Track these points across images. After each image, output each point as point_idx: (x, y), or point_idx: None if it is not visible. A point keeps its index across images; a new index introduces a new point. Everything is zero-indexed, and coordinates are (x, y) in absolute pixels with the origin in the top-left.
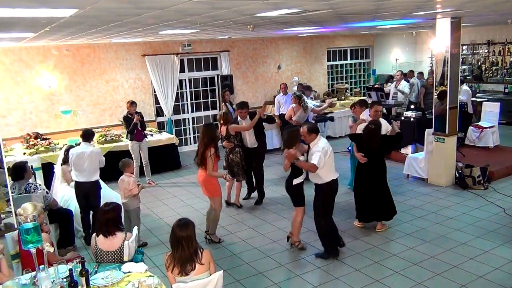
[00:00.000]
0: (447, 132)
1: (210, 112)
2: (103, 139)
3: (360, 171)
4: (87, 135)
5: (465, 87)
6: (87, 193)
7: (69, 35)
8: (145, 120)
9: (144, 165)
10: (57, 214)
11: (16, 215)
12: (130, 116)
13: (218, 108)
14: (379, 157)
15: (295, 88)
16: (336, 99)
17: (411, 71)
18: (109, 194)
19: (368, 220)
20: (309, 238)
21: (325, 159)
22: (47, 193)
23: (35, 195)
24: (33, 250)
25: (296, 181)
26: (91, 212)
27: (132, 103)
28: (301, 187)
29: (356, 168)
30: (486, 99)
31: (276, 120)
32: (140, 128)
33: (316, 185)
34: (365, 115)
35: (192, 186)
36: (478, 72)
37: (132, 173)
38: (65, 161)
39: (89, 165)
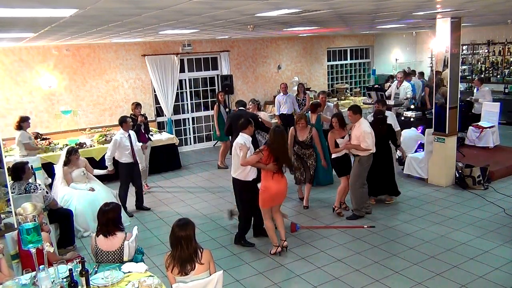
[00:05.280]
0: (447, 132)
1: (210, 112)
2: (103, 139)
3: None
4: (121, 122)
5: (486, 88)
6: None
7: (69, 35)
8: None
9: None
10: (57, 214)
11: (16, 215)
12: (134, 117)
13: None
14: (386, 142)
15: (295, 88)
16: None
17: (413, 71)
18: (107, 194)
19: (377, 194)
20: (310, 238)
21: None
22: (47, 193)
23: (35, 195)
24: (33, 250)
25: (334, 155)
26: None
27: (137, 105)
28: (340, 161)
29: None
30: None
31: (277, 120)
32: (143, 131)
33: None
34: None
35: (192, 186)
36: (479, 72)
37: None
38: (67, 162)
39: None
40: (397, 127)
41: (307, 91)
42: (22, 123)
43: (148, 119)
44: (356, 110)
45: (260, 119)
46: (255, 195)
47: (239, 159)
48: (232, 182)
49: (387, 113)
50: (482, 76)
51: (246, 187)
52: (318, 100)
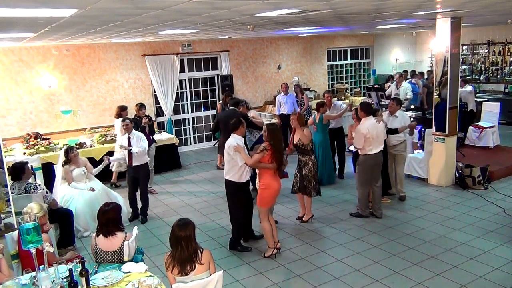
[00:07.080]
0: (447, 132)
1: (210, 112)
2: (103, 139)
3: None
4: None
5: (469, 87)
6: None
7: (69, 35)
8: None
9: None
10: (57, 214)
11: (16, 215)
12: (138, 118)
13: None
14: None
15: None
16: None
17: (413, 71)
18: (107, 194)
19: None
20: (310, 238)
21: None
22: (46, 193)
23: (35, 195)
24: (33, 250)
25: (355, 149)
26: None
27: (141, 106)
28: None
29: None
30: (486, 99)
31: (277, 120)
32: (148, 133)
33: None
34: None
35: (192, 186)
36: (478, 73)
37: None
38: (66, 162)
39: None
40: (407, 122)
41: (305, 91)
42: (122, 111)
43: (153, 120)
44: (363, 107)
45: (250, 119)
46: (249, 196)
47: (232, 161)
48: (225, 185)
49: (398, 112)
50: (466, 78)
51: (240, 189)
52: (324, 100)
